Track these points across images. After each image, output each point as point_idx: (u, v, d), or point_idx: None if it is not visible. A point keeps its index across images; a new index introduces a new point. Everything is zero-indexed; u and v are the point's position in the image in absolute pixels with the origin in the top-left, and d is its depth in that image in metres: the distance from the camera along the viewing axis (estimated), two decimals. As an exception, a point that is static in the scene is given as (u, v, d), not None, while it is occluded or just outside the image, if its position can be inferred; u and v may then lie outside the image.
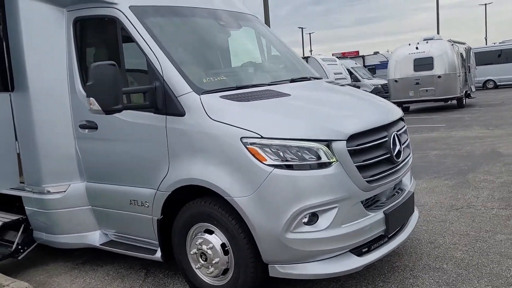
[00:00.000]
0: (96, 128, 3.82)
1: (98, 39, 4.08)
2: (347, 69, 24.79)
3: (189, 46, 3.83)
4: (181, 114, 3.28)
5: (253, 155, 2.99)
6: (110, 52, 3.81)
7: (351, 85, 4.72)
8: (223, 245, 3.24)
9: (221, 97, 3.26)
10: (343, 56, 31.45)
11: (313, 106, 3.44)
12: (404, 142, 3.70)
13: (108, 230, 4.03)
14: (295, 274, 3.09)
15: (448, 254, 3.94)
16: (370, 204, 3.40)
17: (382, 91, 23.79)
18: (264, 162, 2.97)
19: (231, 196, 3.05)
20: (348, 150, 3.07)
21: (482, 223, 4.60)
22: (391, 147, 3.39)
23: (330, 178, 3.00)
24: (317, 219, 3.02)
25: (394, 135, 3.45)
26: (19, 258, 4.24)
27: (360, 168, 3.14)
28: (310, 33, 67.58)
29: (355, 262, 3.16)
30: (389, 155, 3.38)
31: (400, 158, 3.49)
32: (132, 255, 3.82)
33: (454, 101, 18.68)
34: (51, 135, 3.92)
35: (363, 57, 32.15)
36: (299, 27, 51.69)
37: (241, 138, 3.04)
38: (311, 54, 37.52)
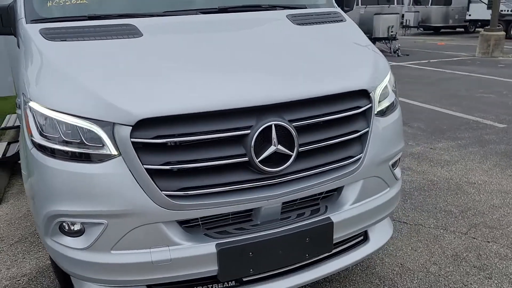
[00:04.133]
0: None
1: None
2: None
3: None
4: (18, 45, 2.57)
5: (25, 119, 2.14)
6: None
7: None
8: None
9: (42, 30, 2.35)
10: None
11: (146, 62, 2.13)
12: (319, 141, 2.13)
13: None
14: None
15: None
16: (227, 224, 2.17)
17: None
18: (30, 134, 2.09)
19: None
20: (133, 142, 1.89)
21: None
22: (253, 145, 1.96)
23: (95, 179, 1.93)
24: (83, 233, 2.06)
25: (272, 125, 1.97)
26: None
27: (160, 173, 1.93)
28: None
29: (140, 305, 2.13)
30: (245, 159, 1.98)
31: (281, 166, 2.02)
32: None
33: None
34: None
35: None
36: None
37: (23, 92, 2.20)
38: None
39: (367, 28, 15.04)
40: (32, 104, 2.06)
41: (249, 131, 1.97)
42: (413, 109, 7.21)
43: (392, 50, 14.81)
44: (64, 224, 2.05)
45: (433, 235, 3.31)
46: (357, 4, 14.92)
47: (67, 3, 2.57)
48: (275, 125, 1.98)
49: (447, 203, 3.83)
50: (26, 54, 2.32)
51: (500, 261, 2.96)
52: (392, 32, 14.67)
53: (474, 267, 2.90)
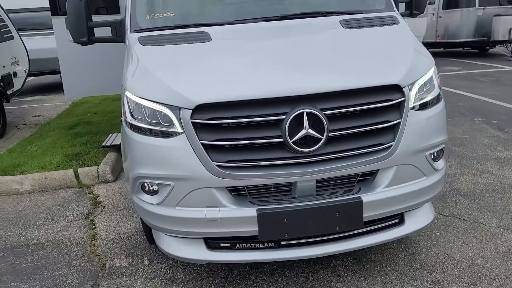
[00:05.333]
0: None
1: None
2: None
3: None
4: (125, 50, 3.31)
5: (122, 105, 2.82)
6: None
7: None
8: None
9: (140, 37, 3.03)
10: None
11: (209, 60, 2.67)
12: (349, 128, 2.46)
13: None
14: (156, 242, 2.89)
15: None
16: (270, 196, 2.61)
17: None
18: (125, 117, 2.76)
19: None
20: (193, 122, 2.43)
21: None
22: (286, 129, 2.37)
23: (166, 150, 2.51)
24: (157, 192, 2.65)
25: (304, 112, 2.36)
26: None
27: (212, 148, 2.44)
28: None
29: (199, 253, 2.65)
30: (281, 139, 2.40)
31: (312, 148, 2.39)
32: None
33: None
34: None
35: None
36: None
37: (122, 84, 2.88)
38: None
39: (485, 31, 14.15)
40: (127, 93, 2.72)
41: (284, 116, 2.39)
42: (516, 115, 6.83)
43: (513, 53, 13.71)
44: (145, 184, 2.68)
45: (491, 233, 3.35)
46: (474, 6, 14.10)
47: (160, 16, 3.25)
48: (307, 112, 2.37)
49: (519, 205, 3.77)
50: (127, 56, 3.03)
51: (555, 261, 2.93)
52: (514, 34, 13.57)
53: (523, 263, 2.93)
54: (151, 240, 3.20)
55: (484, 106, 7.62)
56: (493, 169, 4.63)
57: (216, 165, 2.44)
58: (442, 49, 16.69)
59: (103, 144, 5.81)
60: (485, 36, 14.33)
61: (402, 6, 3.92)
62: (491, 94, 8.56)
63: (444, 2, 14.99)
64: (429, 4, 15.32)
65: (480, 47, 15.85)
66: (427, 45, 16.11)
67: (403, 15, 3.66)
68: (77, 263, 3.36)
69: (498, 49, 15.54)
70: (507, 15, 13.85)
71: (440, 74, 2.94)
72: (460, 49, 16.42)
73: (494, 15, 13.93)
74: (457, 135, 5.92)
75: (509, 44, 13.97)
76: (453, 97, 8.48)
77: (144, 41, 2.98)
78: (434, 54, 13.48)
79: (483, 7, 14.11)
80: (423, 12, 3.95)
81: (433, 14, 15.34)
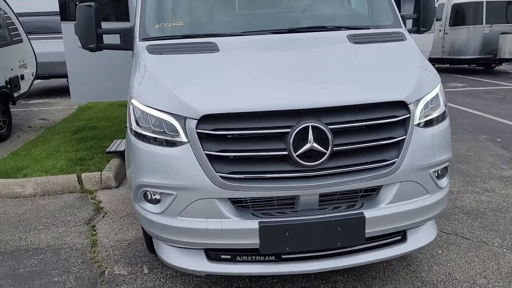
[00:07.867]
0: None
1: None
2: None
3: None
4: (133, 57, 3.32)
5: (128, 112, 2.82)
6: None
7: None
8: None
9: (148, 46, 3.04)
10: None
11: (216, 71, 2.68)
12: (353, 143, 2.45)
13: None
14: (157, 251, 2.88)
15: None
16: (272, 208, 2.59)
17: None
18: (130, 125, 2.76)
19: None
20: (198, 132, 2.43)
21: None
22: (291, 142, 2.36)
23: (170, 160, 2.51)
24: (159, 202, 2.64)
25: (309, 126, 2.36)
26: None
27: (216, 158, 2.43)
28: None
29: (199, 264, 2.63)
30: (285, 152, 2.39)
31: (316, 162, 2.38)
32: None
33: None
34: None
35: None
36: None
37: (129, 92, 2.89)
38: None
39: (491, 49, 14.18)
40: (133, 101, 2.73)
41: (289, 130, 2.38)
42: (521, 134, 6.81)
43: (519, 72, 13.72)
44: (147, 193, 2.67)
45: (493, 252, 3.31)
46: (481, 23, 14.13)
47: (169, 26, 3.27)
48: (312, 126, 2.37)
49: (522, 226, 3.74)
50: (135, 64, 3.04)
51: (558, 284, 2.90)
52: (520, 52, 13.61)
53: (526, 285, 2.89)
54: (151, 248, 3.18)
55: (488, 123, 7.60)
56: (497, 187, 4.61)
57: (220, 176, 2.43)
58: (448, 65, 16.72)
59: (107, 150, 5.81)
60: (491, 53, 14.36)
61: (410, 22, 3.95)
62: (495, 111, 8.55)
63: (451, 19, 15.04)
64: (436, 20, 15.40)
65: (486, 64, 15.88)
66: (434, 60, 16.19)
67: (410, 31, 3.68)
68: (76, 269, 3.35)
69: (504, 66, 15.56)
70: (514, 33, 13.90)
71: (445, 90, 2.94)
72: (466, 65, 16.44)
73: (501, 33, 13.98)
74: (462, 152, 5.90)
75: (515, 62, 14.00)
76: (458, 113, 8.47)
77: (152, 50, 2.99)
78: (440, 70, 13.59)
79: (490, 25, 14.16)
80: (430, 29, 3.96)
81: (440, 31, 15.39)
